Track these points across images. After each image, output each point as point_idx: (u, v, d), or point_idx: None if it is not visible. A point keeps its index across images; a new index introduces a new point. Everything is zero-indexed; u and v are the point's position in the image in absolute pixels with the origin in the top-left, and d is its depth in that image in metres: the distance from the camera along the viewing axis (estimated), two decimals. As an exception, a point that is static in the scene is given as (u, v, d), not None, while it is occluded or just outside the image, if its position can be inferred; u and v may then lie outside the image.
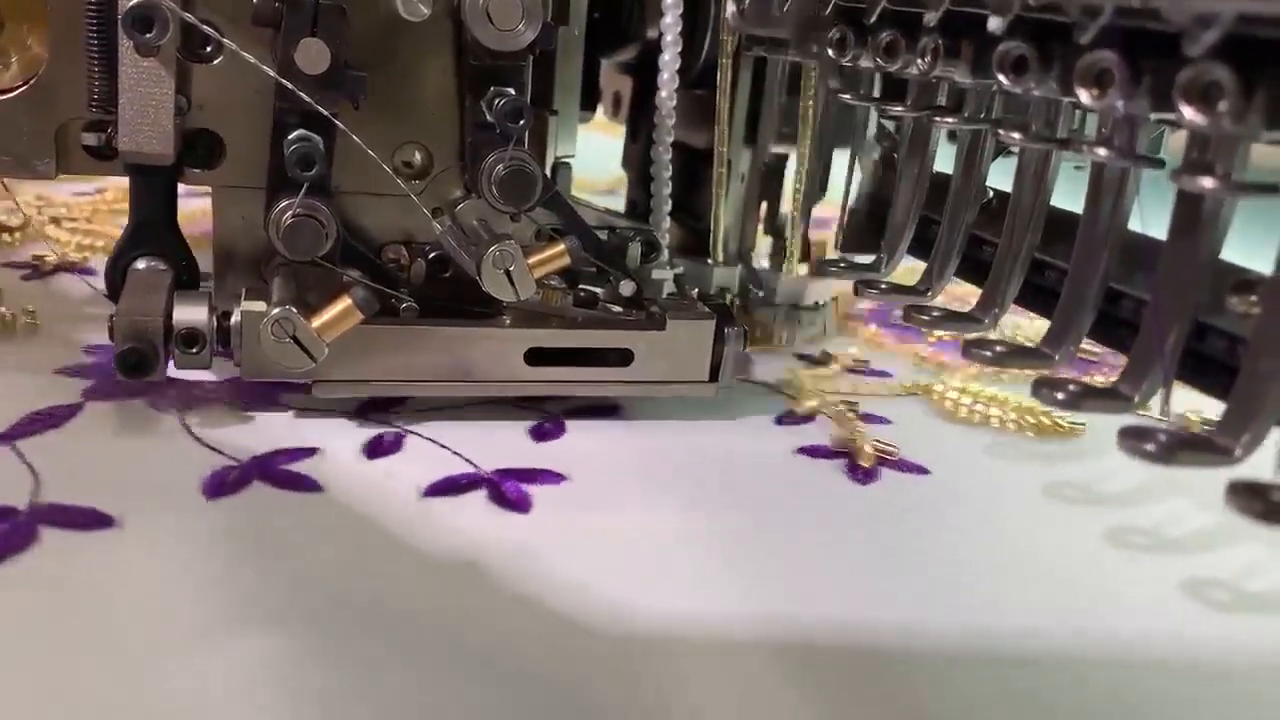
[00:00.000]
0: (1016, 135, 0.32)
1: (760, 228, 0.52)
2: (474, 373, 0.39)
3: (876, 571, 0.33)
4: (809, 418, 0.43)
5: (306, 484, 0.34)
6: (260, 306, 0.36)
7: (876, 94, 0.40)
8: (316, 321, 0.35)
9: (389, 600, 0.29)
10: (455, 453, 0.37)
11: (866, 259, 0.41)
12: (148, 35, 0.34)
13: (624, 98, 0.57)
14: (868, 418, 0.43)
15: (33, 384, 0.39)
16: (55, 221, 0.59)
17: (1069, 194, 0.33)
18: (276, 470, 0.34)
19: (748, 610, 0.30)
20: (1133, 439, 0.26)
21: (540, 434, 0.39)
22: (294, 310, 0.35)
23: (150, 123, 0.36)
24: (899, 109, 0.37)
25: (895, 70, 0.35)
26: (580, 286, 0.40)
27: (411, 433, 0.38)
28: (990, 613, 0.31)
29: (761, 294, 0.50)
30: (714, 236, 0.48)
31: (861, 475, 0.38)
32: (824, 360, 0.50)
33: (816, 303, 0.52)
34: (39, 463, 0.33)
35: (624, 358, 0.40)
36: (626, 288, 0.40)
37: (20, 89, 0.37)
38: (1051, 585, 0.33)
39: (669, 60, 0.44)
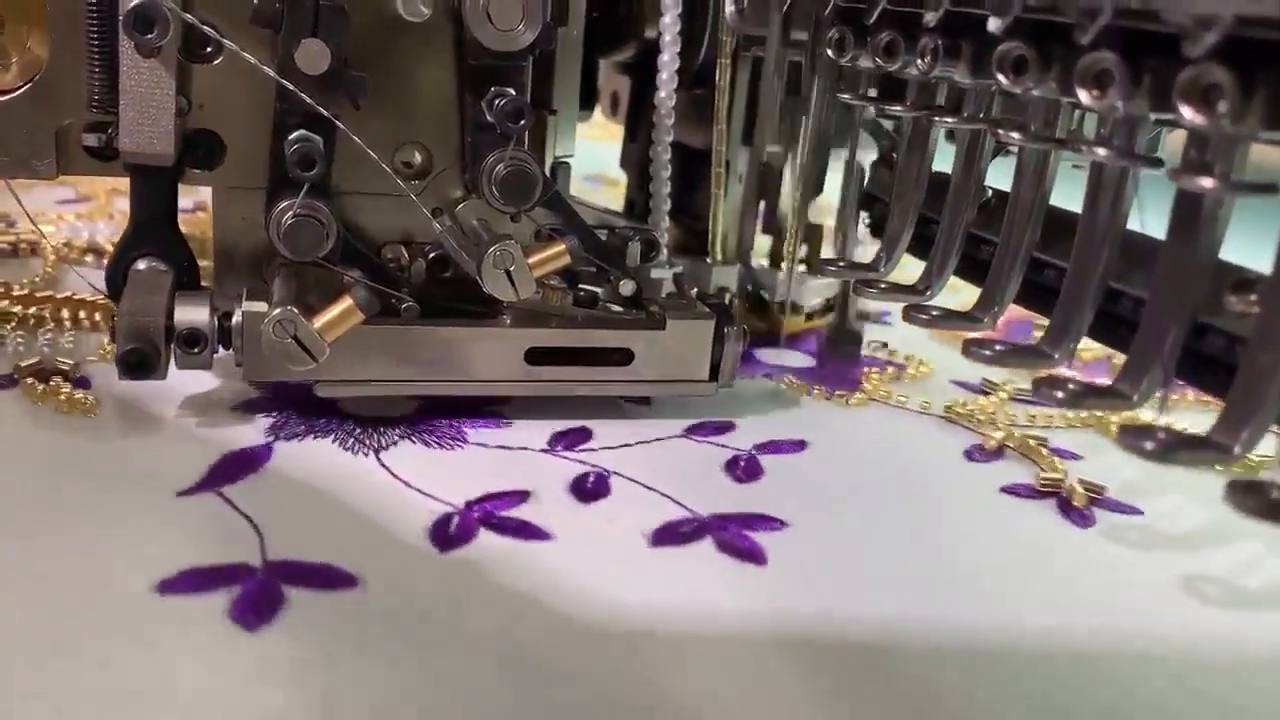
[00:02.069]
0: (1016, 135, 0.32)
1: (759, 227, 0.52)
2: (474, 372, 0.39)
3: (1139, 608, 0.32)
4: (998, 452, 0.42)
5: (535, 533, 0.33)
6: (261, 307, 0.36)
7: (875, 94, 0.40)
8: (318, 321, 0.35)
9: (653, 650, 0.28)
10: (665, 495, 0.36)
11: (865, 259, 0.41)
12: (148, 35, 0.34)
13: (622, 98, 0.57)
14: (1058, 452, 0.42)
15: (213, 420, 0.38)
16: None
17: (1068, 194, 0.33)
18: (499, 518, 0.33)
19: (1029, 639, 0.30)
20: (1131, 437, 0.26)
21: (735, 469, 0.38)
22: (295, 310, 0.35)
23: (151, 123, 0.36)
24: (898, 109, 0.37)
25: (895, 70, 0.35)
26: (580, 286, 0.40)
27: (614, 473, 0.37)
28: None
29: (766, 294, 0.50)
30: (713, 235, 0.49)
31: (1077, 517, 0.37)
32: (988, 389, 0.48)
33: (828, 301, 0.52)
34: (254, 512, 0.32)
35: (624, 357, 0.40)
36: (626, 287, 0.40)
37: (21, 90, 0.37)
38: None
39: (668, 60, 0.44)
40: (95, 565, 0.29)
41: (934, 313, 0.35)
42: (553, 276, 0.39)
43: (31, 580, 0.28)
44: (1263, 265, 0.26)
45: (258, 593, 0.28)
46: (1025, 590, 0.33)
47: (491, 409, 0.40)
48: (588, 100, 0.54)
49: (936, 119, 0.36)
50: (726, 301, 0.47)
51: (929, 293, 0.37)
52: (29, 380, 0.39)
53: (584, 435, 0.39)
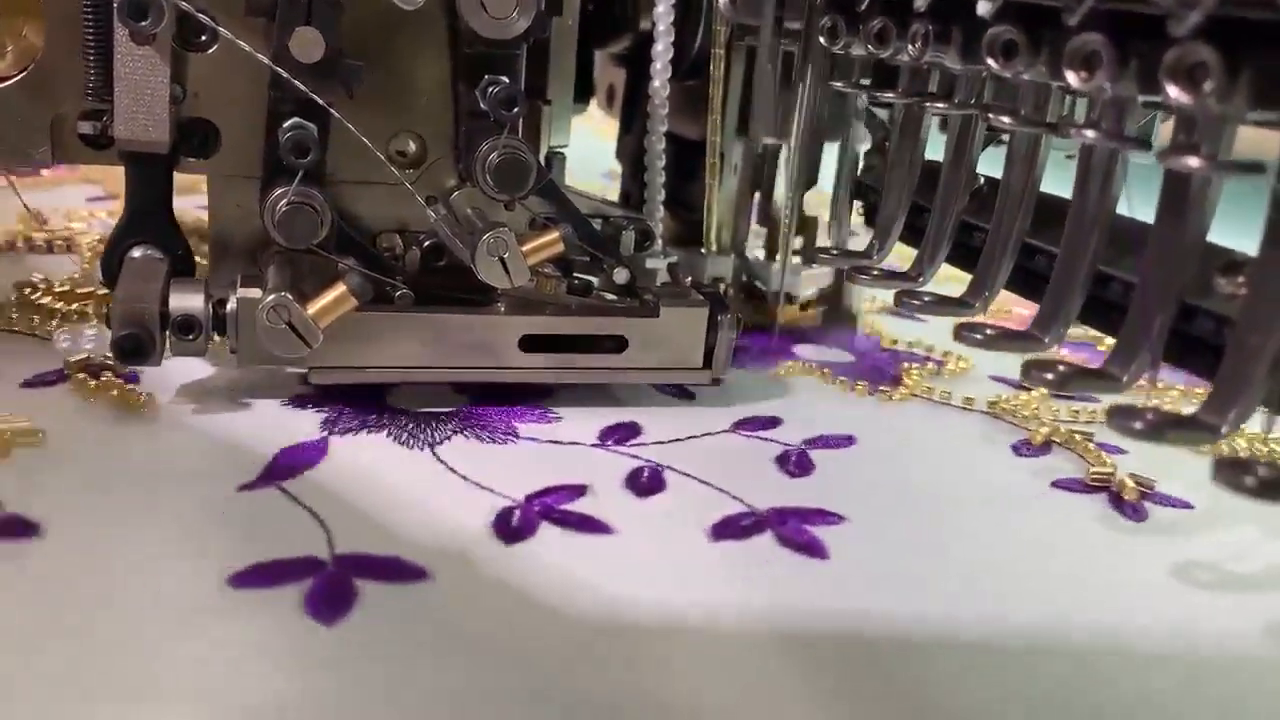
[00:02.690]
0: (1006, 120, 0.32)
1: (753, 218, 0.52)
2: (469, 359, 0.39)
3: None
4: (1045, 447, 0.42)
5: (596, 526, 0.33)
6: (256, 293, 0.36)
7: (867, 82, 0.40)
8: (311, 307, 0.35)
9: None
10: (720, 489, 0.36)
11: (858, 246, 0.41)
12: (143, 23, 0.34)
13: (618, 90, 0.57)
14: (1104, 447, 0.42)
15: (265, 416, 0.38)
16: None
17: (1059, 184, 0.34)
18: (560, 512, 0.33)
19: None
20: (1121, 418, 0.26)
21: (786, 464, 0.38)
22: (289, 296, 0.35)
23: (146, 110, 0.36)
24: (890, 96, 0.37)
25: (886, 57, 0.35)
26: (575, 274, 0.40)
27: (667, 468, 0.37)
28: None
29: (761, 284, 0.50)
30: (707, 226, 0.49)
31: (1130, 511, 0.37)
32: (1028, 385, 0.46)
33: (822, 291, 0.52)
34: (317, 505, 0.32)
35: (618, 345, 0.40)
36: (620, 275, 0.40)
37: (16, 78, 0.37)
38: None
39: (662, 50, 0.44)
40: (163, 562, 0.29)
41: (926, 298, 0.36)
42: (547, 264, 0.39)
43: (99, 579, 0.28)
44: (1251, 249, 0.26)
45: (330, 586, 0.28)
46: (1085, 587, 0.32)
47: (538, 402, 0.41)
48: (584, 93, 0.54)
49: (928, 104, 0.36)
50: (721, 291, 0.47)
51: (921, 279, 0.37)
52: (80, 376, 0.38)
53: (633, 430, 0.39)
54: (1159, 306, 0.28)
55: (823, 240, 0.50)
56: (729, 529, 0.33)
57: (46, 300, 0.46)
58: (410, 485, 0.34)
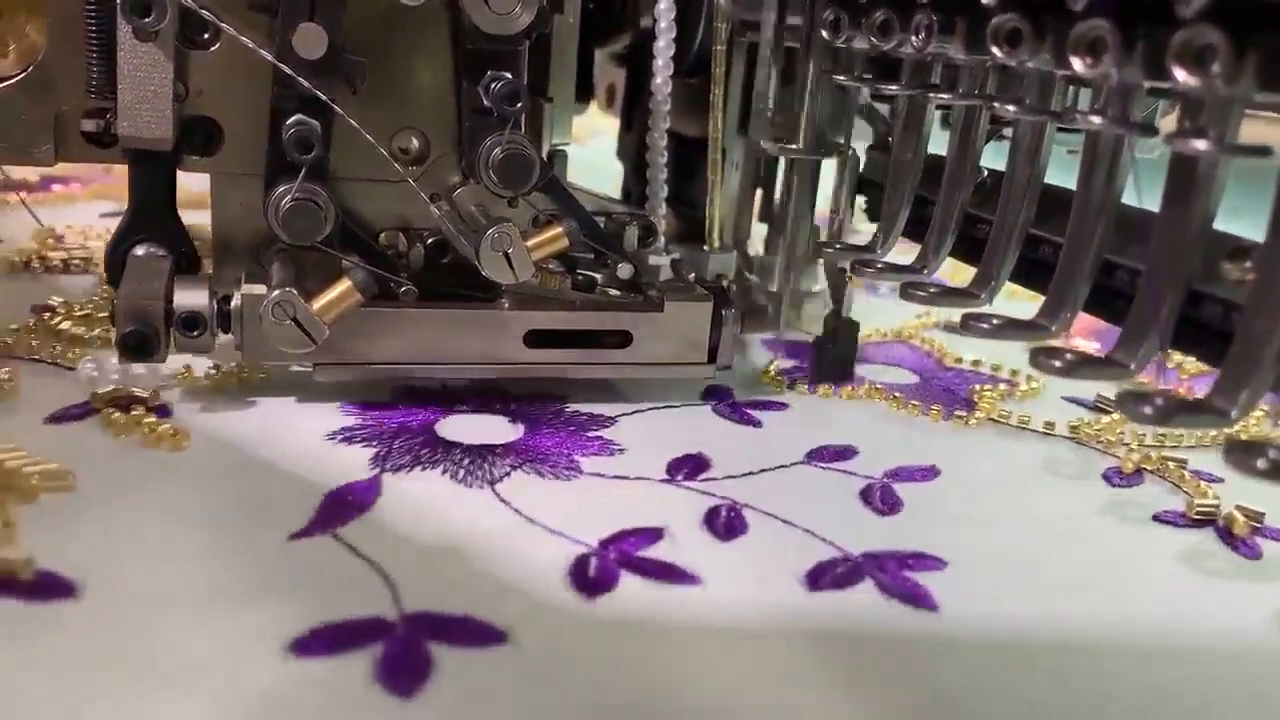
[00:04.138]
0: (1011, 108, 0.32)
1: (755, 214, 0.52)
2: (474, 355, 0.39)
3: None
4: (1136, 475, 0.40)
5: (681, 576, 0.30)
6: (260, 289, 0.36)
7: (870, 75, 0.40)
8: (316, 303, 0.35)
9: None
10: (807, 530, 0.33)
11: (862, 240, 0.41)
12: (146, 19, 0.34)
13: (618, 89, 0.57)
14: (1198, 474, 0.39)
15: (310, 454, 0.35)
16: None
17: (1063, 179, 0.34)
18: (639, 559, 0.31)
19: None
20: (1131, 402, 0.26)
21: (871, 499, 0.36)
22: (294, 292, 0.35)
23: (149, 108, 0.36)
24: (893, 88, 0.37)
25: (890, 49, 0.35)
26: (578, 270, 0.40)
27: (745, 505, 0.34)
28: None
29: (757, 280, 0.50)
30: (709, 223, 0.49)
31: (1244, 547, 0.35)
32: (1104, 407, 0.46)
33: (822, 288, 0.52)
34: (376, 556, 0.29)
35: (623, 340, 0.40)
36: (624, 270, 0.40)
37: (18, 76, 0.37)
38: None
39: (663, 47, 0.44)
40: (216, 628, 0.26)
41: (932, 290, 0.36)
42: (551, 260, 0.39)
43: (144, 643, 0.25)
44: (1258, 236, 0.26)
45: (403, 652, 0.26)
46: (1219, 635, 0.30)
47: (599, 434, 0.39)
48: (584, 93, 0.54)
49: (932, 96, 0.36)
50: (724, 286, 0.47)
51: (926, 271, 0.37)
52: (109, 410, 0.36)
53: (702, 464, 0.37)
54: (1167, 291, 0.28)
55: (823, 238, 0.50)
56: (825, 577, 0.31)
57: (67, 325, 0.43)
58: (474, 530, 0.31)
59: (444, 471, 0.35)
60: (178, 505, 0.31)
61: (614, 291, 0.41)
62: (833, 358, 0.45)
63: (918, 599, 0.30)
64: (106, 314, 0.43)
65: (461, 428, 0.38)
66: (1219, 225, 0.28)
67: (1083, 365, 0.29)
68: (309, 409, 0.38)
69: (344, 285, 0.36)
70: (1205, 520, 0.36)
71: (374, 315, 0.37)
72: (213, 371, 0.39)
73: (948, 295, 0.35)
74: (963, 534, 0.34)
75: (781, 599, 0.30)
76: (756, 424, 0.41)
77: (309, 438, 0.36)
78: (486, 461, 0.36)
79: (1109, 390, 0.46)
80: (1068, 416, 0.44)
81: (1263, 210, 0.26)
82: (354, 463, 0.35)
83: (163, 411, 0.37)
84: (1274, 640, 0.30)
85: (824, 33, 0.38)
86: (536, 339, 0.39)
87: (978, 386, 0.47)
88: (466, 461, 0.36)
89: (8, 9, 0.38)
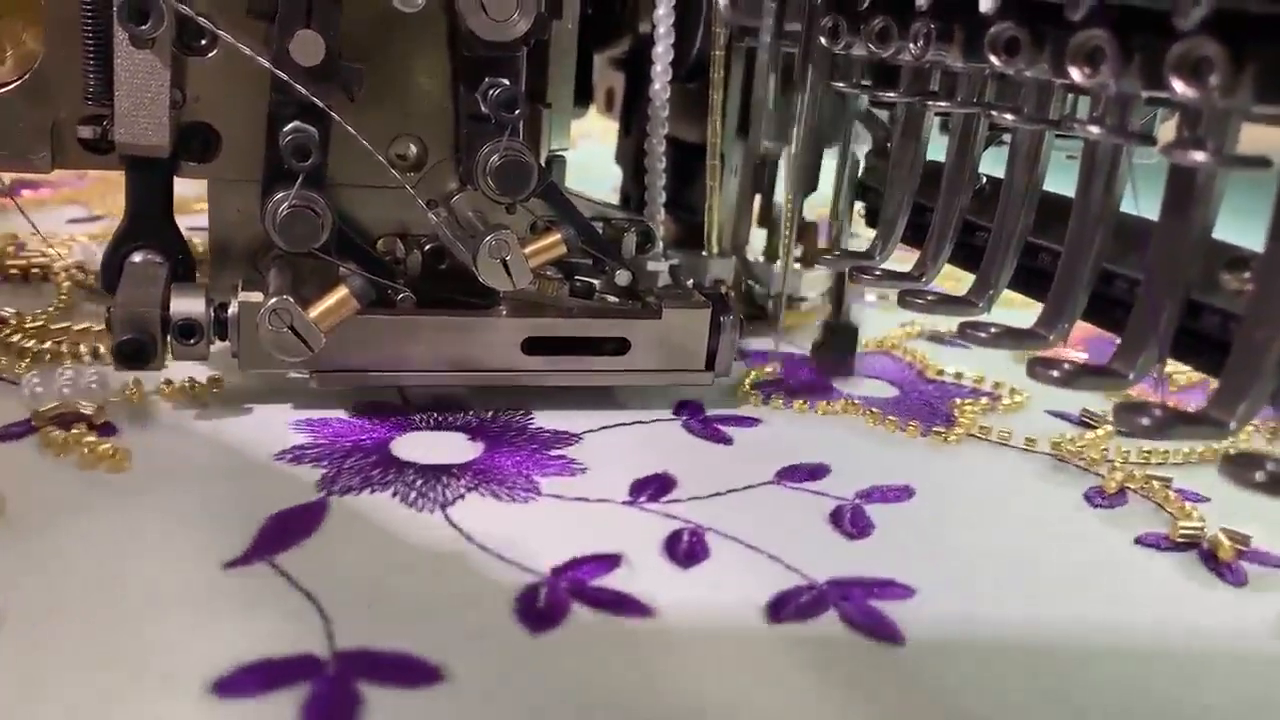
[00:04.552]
0: (1009, 116, 0.32)
1: (754, 220, 0.52)
2: (471, 362, 0.39)
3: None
4: (1119, 495, 0.39)
5: (635, 607, 0.29)
6: (257, 297, 0.36)
7: (868, 82, 0.40)
8: (313, 311, 0.35)
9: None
10: (772, 556, 0.32)
11: (861, 247, 0.41)
12: (143, 26, 0.34)
13: (617, 94, 0.57)
14: (1184, 494, 0.39)
15: (255, 474, 0.34)
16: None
17: (1059, 185, 0.34)
18: (592, 589, 0.29)
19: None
20: (1128, 414, 0.26)
21: (841, 522, 0.35)
22: (290, 300, 0.35)
23: (146, 114, 0.36)
24: (892, 95, 0.37)
25: (888, 56, 0.35)
26: (576, 277, 0.40)
27: (709, 529, 0.33)
28: None
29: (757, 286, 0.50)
30: (708, 229, 0.49)
31: (1229, 574, 0.34)
32: (1090, 421, 0.45)
33: (824, 296, 0.52)
34: (314, 587, 0.28)
35: (620, 347, 0.40)
36: (622, 277, 0.40)
37: (15, 83, 0.37)
38: None
39: (662, 52, 0.44)
40: (137, 665, 0.25)
41: (930, 298, 0.36)
42: (549, 267, 0.39)
43: (55, 687, 0.24)
44: (1257, 246, 0.26)
45: (331, 693, 0.24)
46: (1201, 667, 0.29)
47: (561, 453, 0.37)
48: (583, 97, 0.54)
49: (930, 103, 0.36)
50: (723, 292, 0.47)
51: (924, 278, 0.37)
52: (49, 428, 0.34)
53: (667, 484, 0.36)
54: (1166, 302, 0.28)
55: (823, 244, 0.50)
56: (787, 607, 0.30)
57: (16, 338, 0.41)
58: (421, 557, 0.30)
59: (394, 494, 0.33)
60: (108, 532, 0.30)
61: (612, 298, 0.40)
62: (833, 359, 0.45)
63: (880, 631, 0.29)
64: (61, 326, 0.43)
65: (418, 446, 0.37)
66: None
67: (1081, 375, 0.29)
68: (261, 426, 0.37)
69: (341, 293, 0.36)
70: (1189, 544, 0.36)
71: (371, 323, 0.37)
72: (165, 386, 0.38)
73: (945, 303, 0.35)
74: (933, 560, 0.33)
75: (740, 631, 0.28)
76: (727, 441, 0.40)
77: (258, 457, 0.35)
78: (440, 483, 0.34)
79: (1094, 404, 0.46)
80: (1050, 432, 0.43)
81: (1260, 214, 0.26)
82: (301, 484, 0.33)
83: (107, 429, 0.36)
84: (1264, 667, 0.30)
85: (822, 39, 0.38)
86: (534, 346, 0.39)
87: (959, 400, 0.46)
88: (419, 483, 0.34)
89: (4, 15, 0.37)
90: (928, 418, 0.44)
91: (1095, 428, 0.44)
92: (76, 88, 0.37)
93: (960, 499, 0.37)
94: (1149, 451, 0.42)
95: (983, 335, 0.32)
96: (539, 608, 0.28)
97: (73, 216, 0.63)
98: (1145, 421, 0.26)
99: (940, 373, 0.50)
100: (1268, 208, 0.25)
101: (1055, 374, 0.29)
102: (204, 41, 0.37)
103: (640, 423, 0.41)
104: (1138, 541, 0.36)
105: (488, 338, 0.39)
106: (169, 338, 0.36)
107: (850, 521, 0.35)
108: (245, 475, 0.34)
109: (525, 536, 0.32)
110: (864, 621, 0.30)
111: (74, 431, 0.35)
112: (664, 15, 0.44)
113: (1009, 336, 0.32)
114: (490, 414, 0.40)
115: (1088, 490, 0.39)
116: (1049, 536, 0.36)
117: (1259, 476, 0.24)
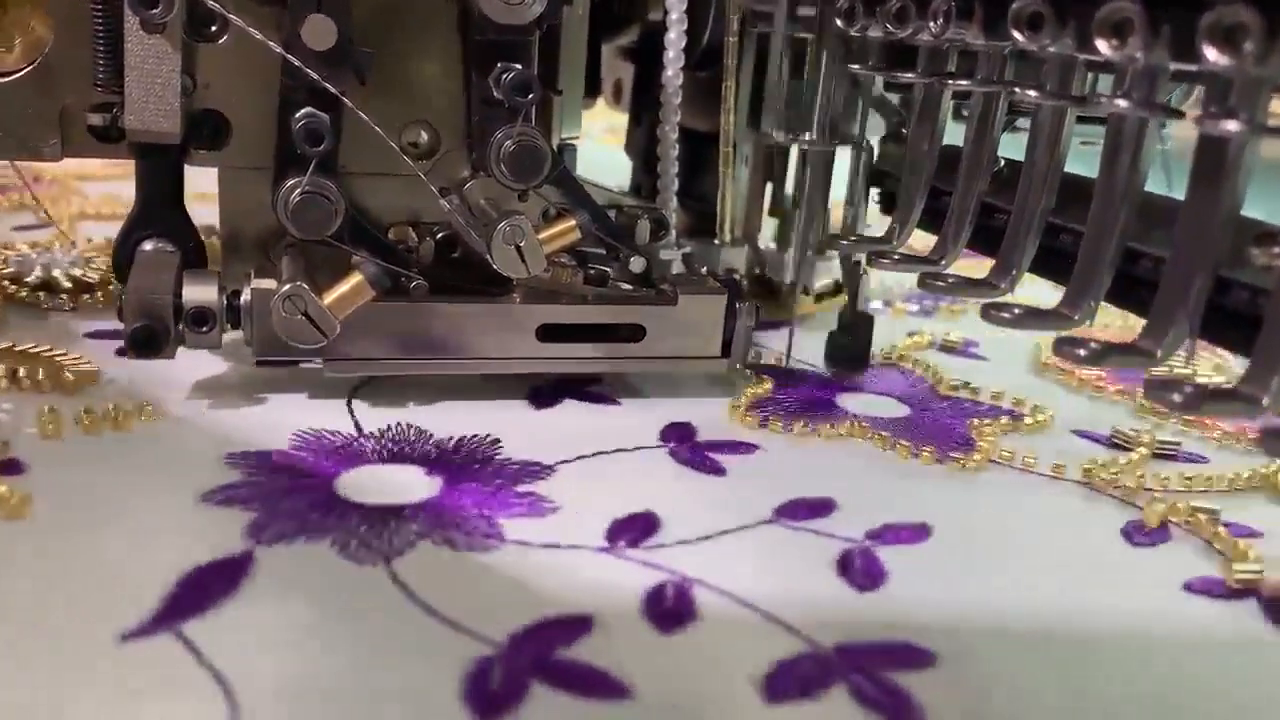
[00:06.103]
0: (1032, 93, 0.31)
1: (765, 208, 0.51)
2: (486, 350, 0.38)
3: None
4: (1162, 530, 0.34)
5: (606, 686, 0.25)
6: (270, 284, 0.36)
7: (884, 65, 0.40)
8: (328, 297, 0.35)
9: None
10: (768, 615, 0.28)
11: (877, 232, 0.41)
12: (153, 11, 0.34)
13: (625, 84, 0.57)
14: (1232, 528, 0.34)
15: (176, 520, 0.30)
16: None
17: (1076, 169, 0.33)
18: (557, 664, 0.25)
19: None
20: (1158, 390, 0.26)
21: (849, 570, 0.31)
22: (305, 286, 0.35)
23: (156, 100, 0.35)
24: (910, 76, 0.37)
25: (906, 36, 0.35)
26: (590, 264, 0.40)
27: (697, 582, 0.29)
28: None
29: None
30: (721, 217, 0.48)
31: None
32: (1121, 442, 0.41)
33: (837, 282, 0.51)
34: (226, 666, 0.24)
35: (636, 334, 0.40)
36: (637, 264, 0.40)
37: (24, 71, 0.37)
38: None
39: (674, 39, 0.44)
40: None
41: (950, 280, 0.35)
42: (562, 254, 0.39)
43: None
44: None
45: None
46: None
47: (530, 489, 0.33)
48: (591, 88, 0.54)
49: (949, 83, 0.35)
50: (737, 280, 0.47)
51: (943, 262, 0.37)
52: None
53: (651, 525, 0.32)
54: (1195, 276, 0.27)
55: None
56: (787, 682, 0.25)
57: None
58: (356, 624, 0.26)
59: (333, 543, 0.29)
60: None
61: (626, 285, 0.40)
62: (848, 353, 0.45)
63: (899, 711, 0.25)
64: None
65: (367, 482, 0.33)
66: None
67: (1108, 353, 0.29)
68: (193, 460, 0.33)
69: (356, 279, 0.35)
70: (1247, 590, 0.31)
71: (384, 311, 0.37)
72: (85, 415, 0.34)
73: (966, 286, 0.35)
74: (955, 616, 0.29)
75: (732, 714, 0.24)
76: (720, 471, 0.36)
77: (182, 499, 0.31)
78: (388, 528, 0.30)
79: (1126, 425, 0.42)
80: (1080, 455, 0.39)
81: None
82: (225, 533, 0.29)
83: (13, 467, 0.31)
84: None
85: (838, 21, 0.38)
86: (549, 333, 0.39)
87: (976, 421, 0.41)
88: (363, 529, 0.30)
89: (13, 3, 0.37)
90: (943, 441, 0.39)
91: (1129, 449, 0.40)
92: (85, 75, 0.36)
93: (982, 538, 0.33)
94: (1190, 478, 0.38)
95: (1006, 316, 0.31)
96: (491, 689, 0.24)
97: (20, 224, 0.59)
98: (1176, 397, 0.26)
99: (954, 388, 0.45)
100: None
101: (1082, 353, 0.28)
102: (214, 27, 0.37)
103: (622, 450, 0.37)
104: (1187, 588, 0.31)
105: (503, 324, 0.38)
106: (181, 325, 0.35)
107: (861, 569, 0.31)
108: (162, 521, 0.30)
109: (482, 594, 0.28)
110: (877, 698, 0.25)
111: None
112: (676, 2, 0.44)
113: (1033, 317, 0.32)
114: (453, 441, 0.36)
115: (1126, 525, 0.35)
116: (1087, 585, 0.31)
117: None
